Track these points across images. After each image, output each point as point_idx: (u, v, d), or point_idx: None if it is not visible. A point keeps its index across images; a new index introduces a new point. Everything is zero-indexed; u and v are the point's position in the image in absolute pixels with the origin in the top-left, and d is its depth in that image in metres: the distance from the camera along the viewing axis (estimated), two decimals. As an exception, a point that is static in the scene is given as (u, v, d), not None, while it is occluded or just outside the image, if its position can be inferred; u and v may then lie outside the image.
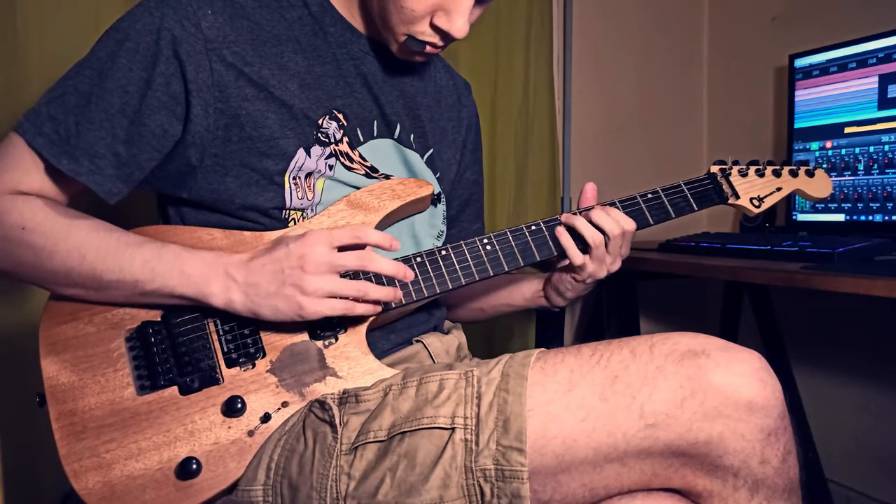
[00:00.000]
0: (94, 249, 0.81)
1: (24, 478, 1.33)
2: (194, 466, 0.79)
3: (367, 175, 0.95)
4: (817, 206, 1.68)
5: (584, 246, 0.96)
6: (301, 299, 0.80)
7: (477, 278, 0.93)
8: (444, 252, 0.92)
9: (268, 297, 0.81)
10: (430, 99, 1.06)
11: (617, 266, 0.99)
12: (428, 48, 0.91)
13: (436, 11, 0.88)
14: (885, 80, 1.53)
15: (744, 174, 1.06)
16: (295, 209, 0.90)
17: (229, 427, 0.82)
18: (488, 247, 0.94)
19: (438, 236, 1.05)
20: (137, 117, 0.83)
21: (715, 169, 1.06)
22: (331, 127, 0.92)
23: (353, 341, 0.88)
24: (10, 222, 0.81)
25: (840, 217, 1.63)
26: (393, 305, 0.88)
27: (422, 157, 1.03)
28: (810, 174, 1.09)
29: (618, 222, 0.95)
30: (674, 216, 1.01)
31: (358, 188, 0.94)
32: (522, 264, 0.95)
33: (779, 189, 1.07)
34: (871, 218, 1.56)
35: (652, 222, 0.99)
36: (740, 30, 2.17)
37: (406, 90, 1.02)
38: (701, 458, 0.72)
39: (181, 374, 0.84)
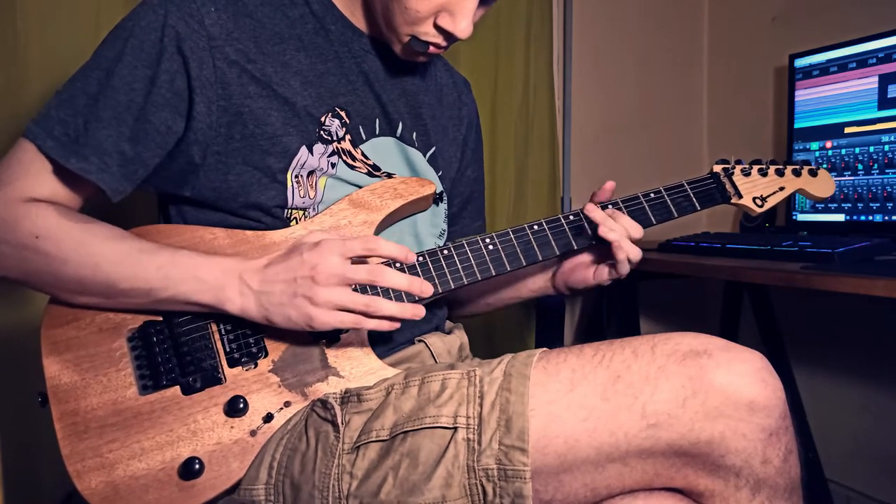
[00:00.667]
0: (107, 258, 0.81)
1: (24, 478, 1.33)
2: (197, 466, 0.79)
3: (369, 173, 0.95)
4: (817, 205, 1.68)
5: (601, 243, 0.96)
6: (311, 310, 0.80)
7: (479, 278, 0.93)
8: (446, 251, 0.93)
9: (280, 306, 0.81)
10: (431, 97, 1.07)
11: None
12: (431, 49, 0.91)
13: (439, 12, 0.87)
14: (885, 80, 1.53)
15: (746, 173, 1.06)
16: (297, 208, 0.90)
17: (232, 427, 0.82)
18: (490, 246, 0.94)
19: (440, 235, 1.05)
20: (143, 115, 0.83)
21: (718, 168, 1.06)
22: (333, 125, 0.92)
23: (356, 341, 0.88)
24: (24, 230, 0.80)
25: (840, 217, 1.63)
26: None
27: (424, 155, 1.03)
28: (813, 174, 1.09)
29: (624, 228, 0.95)
30: (676, 216, 1.01)
31: (360, 187, 0.94)
32: (525, 264, 0.95)
33: (782, 188, 1.07)
34: (871, 218, 1.56)
35: (654, 222, 1.00)
36: (740, 30, 2.17)
37: (407, 88, 1.02)
38: (703, 457, 0.72)
39: (183, 374, 0.84)
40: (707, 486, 0.74)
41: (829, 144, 1.66)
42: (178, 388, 0.84)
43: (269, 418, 0.83)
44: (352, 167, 0.93)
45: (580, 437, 0.72)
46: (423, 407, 0.77)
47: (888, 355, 1.73)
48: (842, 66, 1.62)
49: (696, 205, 1.02)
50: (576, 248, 0.97)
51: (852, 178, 1.60)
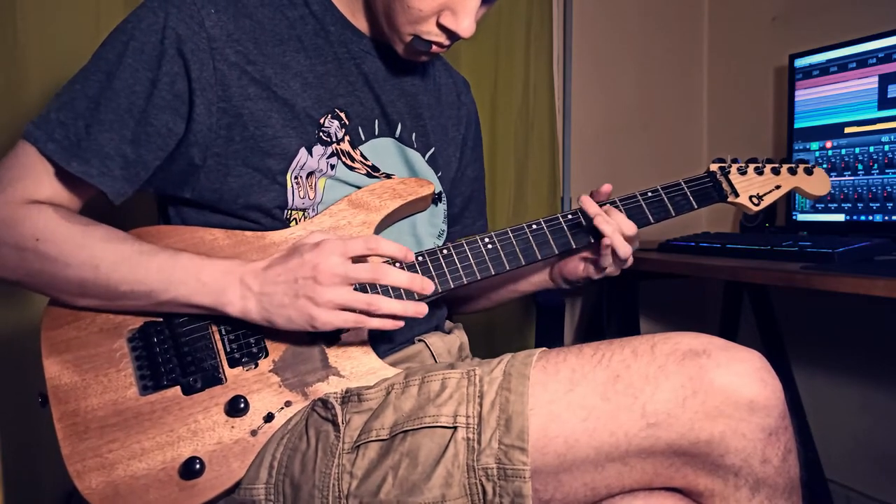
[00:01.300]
0: (107, 260, 0.81)
1: (24, 478, 1.33)
2: (198, 466, 0.79)
3: (368, 174, 0.95)
4: (817, 206, 1.68)
5: (597, 241, 0.97)
6: (313, 310, 0.80)
7: (479, 277, 0.93)
8: (445, 251, 0.93)
9: (282, 307, 0.81)
10: (430, 97, 1.07)
11: (618, 271, 1.01)
12: (434, 48, 0.91)
13: (442, 11, 0.87)
14: (885, 80, 1.53)
15: (743, 172, 1.06)
16: (297, 209, 0.90)
17: (232, 427, 0.83)
18: (489, 245, 0.94)
19: (439, 235, 1.05)
20: (144, 117, 0.83)
21: (714, 167, 1.07)
22: (332, 126, 0.92)
23: (356, 341, 0.88)
24: (24, 233, 0.80)
25: (840, 217, 1.63)
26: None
27: (423, 156, 1.03)
28: (809, 172, 1.09)
29: (617, 224, 0.95)
30: (674, 214, 1.01)
31: (359, 187, 0.94)
32: (524, 263, 0.95)
33: (778, 187, 1.07)
34: (871, 218, 1.56)
35: (652, 220, 1.00)
36: (740, 30, 2.17)
37: (407, 89, 1.02)
38: (702, 457, 0.72)
39: (184, 374, 0.84)
40: (706, 485, 0.74)
41: (829, 144, 1.66)
42: (178, 388, 0.84)
43: (269, 418, 0.83)
44: (351, 168, 0.94)
45: (580, 436, 0.73)
46: (422, 406, 0.77)
47: (888, 355, 1.73)
48: (842, 66, 1.62)
49: (694, 203, 1.02)
50: (574, 247, 0.97)
51: (852, 178, 1.60)
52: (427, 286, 0.85)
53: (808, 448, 1.80)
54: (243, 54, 0.86)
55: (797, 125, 1.73)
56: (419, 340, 0.99)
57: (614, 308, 1.88)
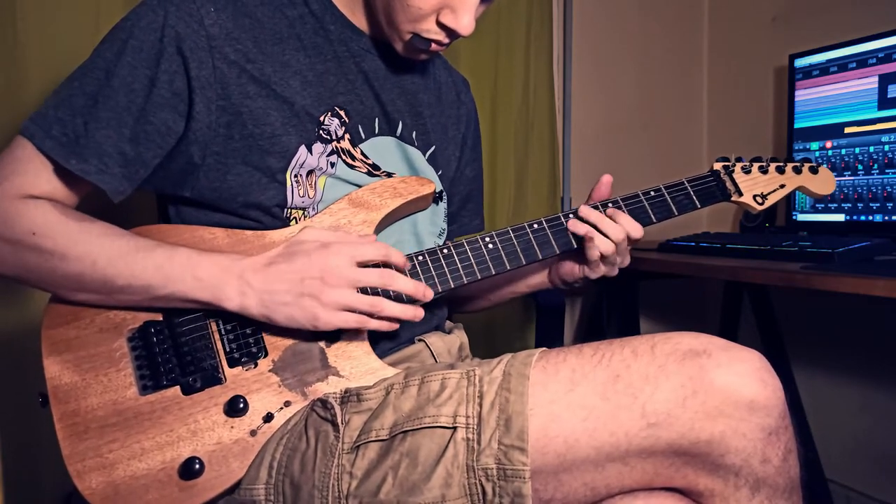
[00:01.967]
0: (104, 254, 0.81)
1: (24, 478, 1.33)
2: (197, 466, 0.79)
3: (368, 173, 0.95)
4: (817, 206, 1.68)
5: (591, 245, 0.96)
6: (318, 310, 0.81)
7: (479, 277, 0.93)
8: (445, 250, 0.93)
9: (284, 305, 0.81)
10: (430, 96, 1.07)
11: (627, 262, 1.02)
12: (433, 46, 0.91)
13: (441, 9, 0.88)
14: (885, 80, 1.53)
15: (747, 171, 1.06)
16: (296, 207, 0.90)
17: (232, 427, 0.82)
18: (490, 245, 0.94)
19: (440, 234, 1.05)
20: (143, 115, 0.83)
21: (718, 166, 1.06)
22: (332, 124, 0.92)
23: (355, 340, 0.88)
24: (21, 227, 0.80)
25: (840, 217, 1.63)
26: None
27: (424, 154, 1.03)
28: (814, 171, 1.08)
29: (623, 228, 0.95)
30: (677, 214, 1.00)
31: (359, 186, 0.94)
32: (525, 262, 0.95)
33: (782, 186, 1.07)
34: (871, 218, 1.56)
35: (654, 220, 0.99)
36: (740, 30, 2.17)
37: (407, 87, 1.02)
38: (702, 457, 0.72)
39: (183, 374, 0.84)
40: (707, 485, 0.74)
41: (829, 144, 1.66)
42: (178, 388, 0.84)
43: (269, 418, 0.83)
44: (351, 166, 0.94)
45: (580, 436, 0.72)
46: (422, 406, 0.77)
47: (888, 355, 1.73)
48: (842, 66, 1.62)
49: (697, 203, 1.02)
50: (575, 246, 0.97)
51: (852, 178, 1.60)
52: (428, 294, 0.88)
53: (808, 448, 1.80)
54: (242, 52, 0.86)
55: (797, 125, 1.73)
56: (419, 340, 0.99)
57: (614, 308, 1.88)
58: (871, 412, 1.79)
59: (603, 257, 0.96)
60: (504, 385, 0.76)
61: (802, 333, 1.93)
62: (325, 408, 0.81)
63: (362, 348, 0.88)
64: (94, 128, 0.82)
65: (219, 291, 0.81)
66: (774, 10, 2.04)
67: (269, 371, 0.85)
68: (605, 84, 2.14)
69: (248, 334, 0.86)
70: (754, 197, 1.05)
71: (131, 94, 0.83)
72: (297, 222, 0.90)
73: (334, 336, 0.88)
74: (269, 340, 0.86)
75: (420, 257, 0.92)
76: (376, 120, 0.97)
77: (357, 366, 0.87)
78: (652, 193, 1.00)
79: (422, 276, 0.91)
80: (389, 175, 0.97)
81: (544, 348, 0.81)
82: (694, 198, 1.01)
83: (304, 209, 0.91)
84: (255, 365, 0.85)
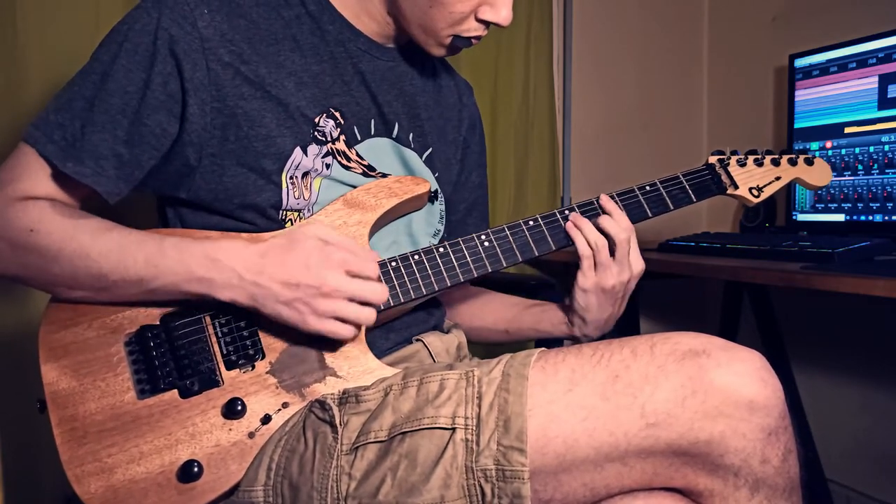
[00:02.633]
0: (97, 249, 0.81)
1: (24, 478, 1.33)
2: (196, 469, 0.79)
3: (364, 174, 0.95)
4: (817, 206, 1.68)
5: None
6: (309, 317, 0.81)
7: (475, 275, 0.93)
8: (441, 249, 0.93)
9: (275, 303, 0.81)
10: (429, 98, 1.06)
11: (626, 276, 0.98)
12: (473, 41, 0.95)
13: (479, 6, 0.91)
14: (885, 80, 1.53)
15: (742, 164, 1.06)
16: (292, 209, 0.90)
17: (230, 429, 0.82)
18: (486, 243, 0.94)
19: (435, 234, 1.04)
20: (137, 117, 0.84)
21: (713, 159, 1.06)
22: (328, 125, 0.92)
23: (353, 340, 0.88)
24: (19, 226, 0.81)
25: (840, 217, 1.63)
26: (381, 308, 0.87)
27: (420, 156, 1.03)
28: (809, 162, 1.08)
29: (621, 226, 0.95)
30: (672, 208, 1.00)
31: (355, 187, 0.94)
32: (521, 260, 0.95)
33: (778, 178, 1.06)
34: (871, 218, 1.56)
35: (650, 214, 0.99)
36: (740, 30, 2.17)
37: (405, 89, 1.02)
38: (702, 457, 0.72)
39: (181, 378, 0.84)
40: (706, 485, 0.74)
41: (829, 144, 1.66)
42: (175, 391, 0.83)
43: (267, 420, 0.83)
44: (346, 168, 0.93)
45: (579, 436, 0.72)
46: (421, 407, 0.77)
47: (888, 355, 1.73)
48: (842, 66, 1.62)
49: (693, 196, 1.01)
50: (572, 243, 0.97)
51: (852, 178, 1.60)
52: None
53: (808, 448, 1.80)
54: (237, 54, 0.86)
55: (797, 125, 1.73)
56: (417, 340, 0.99)
57: (614, 308, 1.88)
58: (871, 412, 1.79)
59: (597, 263, 0.95)
60: (503, 386, 0.76)
61: (802, 333, 1.93)
62: (323, 409, 0.81)
63: (360, 348, 0.88)
64: (90, 131, 0.83)
65: (210, 283, 0.81)
66: (774, 10, 2.04)
67: (267, 373, 0.85)
68: (605, 84, 2.14)
69: (245, 336, 0.86)
70: (750, 190, 1.05)
71: (126, 97, 0.83)
72: (292, 224, 0.90)
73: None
74: (266, 342, 0.86)
75: (416, 256, 0.91)
76: (372, 121, 0.97)
77: (355, 366, 0.87)
78: (647, 188, 1.00)
79: (419, 276, 0.91)
80: (385, 176, 0.97)
81: (543, 348, 0.80)
82: (689, 192, 1.01)
83: (299, 211, 0.91)
84: (253, 367, 0.85)
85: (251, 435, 0.82)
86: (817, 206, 1.68)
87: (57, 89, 0.86)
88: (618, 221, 0.95)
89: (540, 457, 0.72)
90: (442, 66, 1.13)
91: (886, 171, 1.53)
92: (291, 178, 0.89)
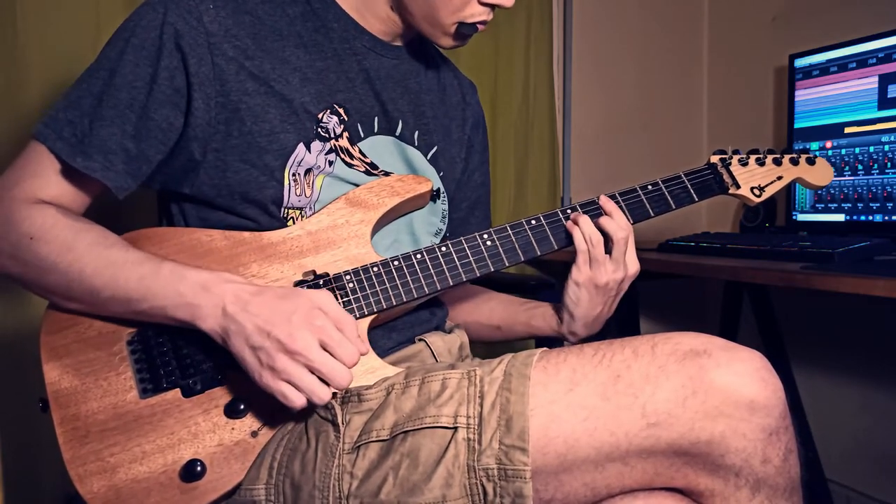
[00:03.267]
0: (91, 264, 0.80)
1: (24, 478, 1.33)
2: (199, 468, 0.79)
3: (366, 172, 0.95)
4: (817, 206, 1.68)
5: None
6: (265, 371, 0.76)
7: (478, 274, 0.93)
8: (443, 248, 0.93)
9: (243, 345, 0.76)
10: (434, 96, 1.07)
11: (620, 275, 0.97)
12: (479, 27, 0.94)
13: None
14: (885, 80, 1.53)
15: (744, 163, 1.06)
16: (293, 207, 0.90)
17: (232, 428, 0.82)
18: (488, 242, 0.94)
19: (437, 233, 1.05)
20: (145, 112, 0.84)
21: (715, 159, 1.06)
22: (331, 122, 0.92)
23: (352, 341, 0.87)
24: (21, 231, 0.81)
25: (840, 217, 1.63)
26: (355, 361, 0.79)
27: (425, 154, 1.03)
28: (811, 162, 1.08)
29: (619, 225, 0.95)
30: (674, 207, 1.00)
31: (357, 185, 0.94)
32: (523, 259, 0.95)
33: (779, 178, 1.06)
34: (871, 218, 1.56)
35: (652, 214, 0.99)
36: (740, 30, 2.17)
37: (410, 87, 1.02)
38: (703, 457, 0.72)
39: (183, 377, 0.84)
40: (707, 485, 0.74)
41: (829, 144, 1.66)
42: (178, 390, 0.83)
43: (269, 419, 0.83)
44: (349, 165, 0.93)
45: (580, 436, 0.72)
46: (423, 407, 0.77)
47: (888, 355, 1.73)
48: (842, 66, 1.62)
49: (694, 196, 1.01)
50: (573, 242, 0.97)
51: (852, 178, 1.60)
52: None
53: (808, 448, 1.80)
54: (241, 49, 0.87)
55: (797, 125, 1.73)
56: (419, 340, 0.99)
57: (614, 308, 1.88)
58: (871, 412, 1.79)
59: (592, 259, 0.95)
60: (505, 385, 0.76)
61: (802, 333, 1.93)
62: (325, 408, 0.81)
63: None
64: (98, 126, 0.83)
65: (196, 310, 0.78)
66: (774, 10, 2.04)
67: (270, 372, 0.85)
68: (605, 84, 2.14)
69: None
70: (752, 189, 1.05)
71: (133, 91, 0.84)
72: (294, 222, 0.90)
73: None
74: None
75: (418, 255, 0.91)
76: (375, 119, 0.97)
77: (357, 365, 0.86)
78: (649, 187, 1.00)
79: (421, 275, 0.91)
80: (387, 174, 0.97)
81: (545, 348, 0.81)
82: (691, 191, 1.01)
83: (300, 209, 0.91)
84: (256, 366, 0.85)
85: (254, 434, 0.83)
86: (817, 206, 1.68)
87: (57, 89, 0.87)
88: (617, 220, 0.95)
89: (541, 456, 0.73)
90: (446, 65, 1.13)
91: (886, 171, 1.53)
92: (294, 174, 0.89)
